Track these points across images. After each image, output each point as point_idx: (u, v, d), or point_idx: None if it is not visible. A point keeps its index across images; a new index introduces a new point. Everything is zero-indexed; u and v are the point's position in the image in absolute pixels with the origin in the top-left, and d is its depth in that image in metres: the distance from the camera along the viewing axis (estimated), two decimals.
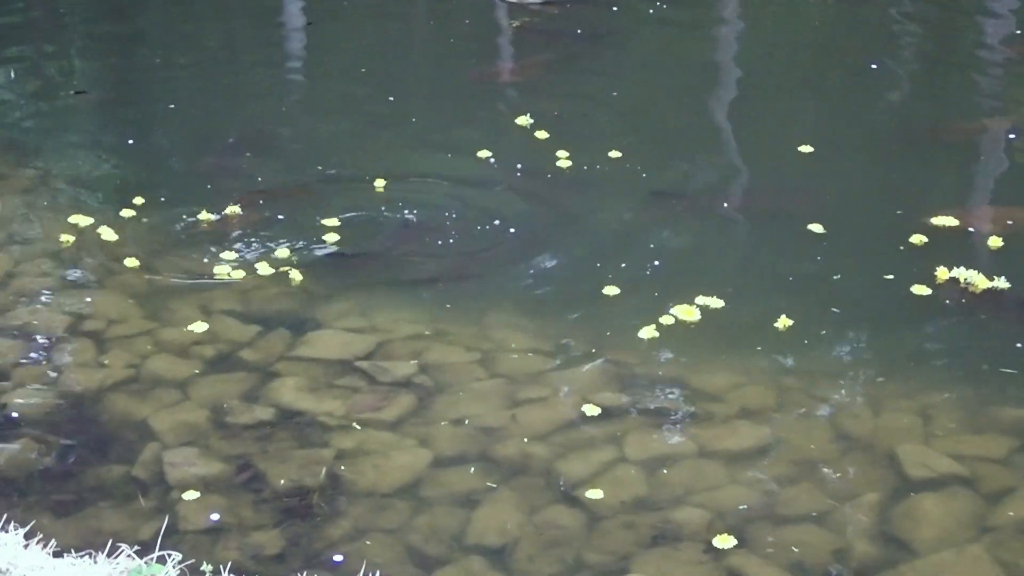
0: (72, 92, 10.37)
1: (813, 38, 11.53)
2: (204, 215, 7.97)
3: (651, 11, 11.71)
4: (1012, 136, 9.10)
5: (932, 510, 5.63)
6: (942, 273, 7.17)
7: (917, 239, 7.57)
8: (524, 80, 10.47)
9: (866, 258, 7.56)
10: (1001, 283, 7.11)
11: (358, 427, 6.21)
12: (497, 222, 8.00)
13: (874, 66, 10.35)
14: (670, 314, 6.89)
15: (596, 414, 6.22)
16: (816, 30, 11.77)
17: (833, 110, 9.74)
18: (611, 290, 7.19)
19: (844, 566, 5.40)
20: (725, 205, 8.21)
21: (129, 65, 11.19)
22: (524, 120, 9.10)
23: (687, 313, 6.87)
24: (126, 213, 8.07)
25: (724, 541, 5.45)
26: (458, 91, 10.17)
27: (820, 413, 6.28)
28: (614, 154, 8.70)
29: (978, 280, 7.12)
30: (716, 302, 6.99)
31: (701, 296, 7.02)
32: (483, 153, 8.76)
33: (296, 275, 7.36)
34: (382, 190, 8.32)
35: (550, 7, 11.64)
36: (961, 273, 7.16)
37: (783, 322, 6.83)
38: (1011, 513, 5.59)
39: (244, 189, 8.37)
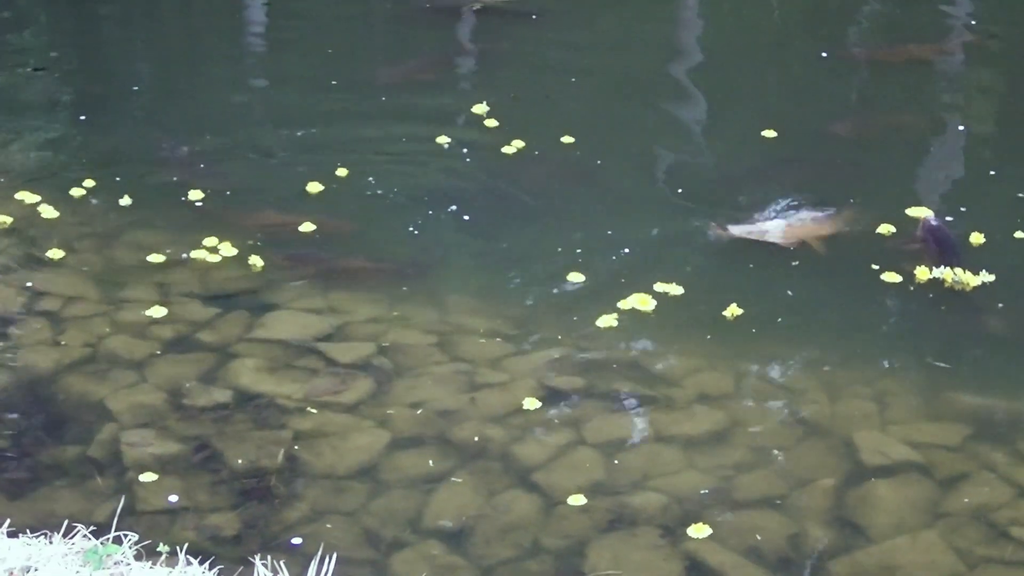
0: (31, 69, 10.30)
1: (773, 23, 11.56)
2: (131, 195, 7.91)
3: None
4: (962, 128, 9.15)
5: (887, 496, 5.67)
6: (922, 273, 7.02)
7: (884, 228, 7.58)
8: (465, 71, 10.42)
9: (830, 246, 7.60)
10: (987, 277, 7.00)
11: (313, 411, 6.20)
12: (454, 207, 7.99)
13: (824, 55, 10.37)
14: (628, 301, 6.89)
15: (537, 407, 6.17)
16: (776, 16, 11.81)
17: (789, 97, 9.76)
18: (571, 276, 7.20)
19: (799, 551, 5.43)
20: (680, 191, 8.20)
21: (88, 42, 11.12)
22: (480, 108, 9.10)
23: (642, 302, 6.87)
24: (77, 192, 8.02)
25: (699, 531, 5.46)
26: (415, 77, 10.10)
27: (777, 399, 6.31)
28: (567, 139, 8.70)
29: (967, 278, 6.95)
30: (675, 289, 7.01)
31: (660, 283, 7.04)
32: (442, 139, 8.74)
33: (257, 261, 7.31)
34: (345, 176, 8.27)
35: None
36: (946, 273, 6.98)
37: (731, 311, 6.84)
38: (966, 500, 5.64)
39: (203, 174, 8.33)
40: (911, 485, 5.75)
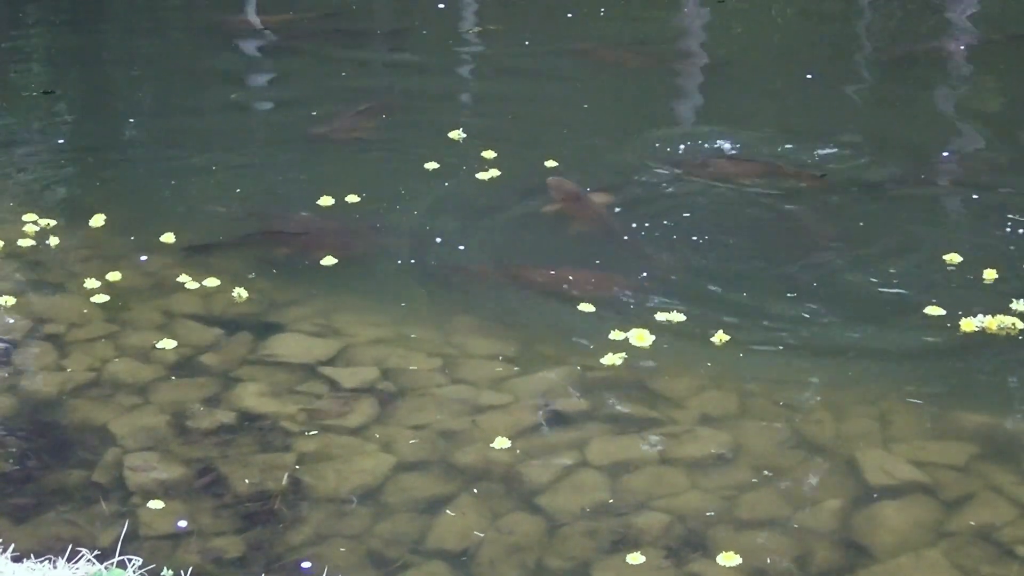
0: (41, 92, 10.35)
1: (769, 44, 11.64)
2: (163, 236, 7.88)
3: (603, 13, 11.84)
4: (946, 153, 9.12)
5: (892, 516, 5.66)
6: (967, 325, 6.83)
7: (951, 257, 7.51)
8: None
9: (835, 265, 7.61)
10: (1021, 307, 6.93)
11: (314, 432, 6.19)
12: (439, 239, 7.95)
13: (809, 76, 10.40)
14: (628, 334, 6.82)
15: (507, 445, 6.06)
16: (776, 36, 11.88)
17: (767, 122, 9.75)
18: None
19: (805, 572, 5.42)
20: (687, 215, 8.20)
21: (90, 68, 11.17)
22: (456, 134, 9.13)
23: (639, 338, 6.79)
24: (88, 218, 8.04)
25: (728, 559, 5.43)
26: (402, 104, 10.10)
27: (781, 419, 6.29)
28: (551, 163, 8.71)
29: (1009, 321, 6.82)
30: (678, 316, 6.98)
31: (661, 312, 7.01)
32: (430, 165, 8.75)
33: (242, 292, 7.29)
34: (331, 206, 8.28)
35: None
36: (988, 321, 6.81)
37: (719, 337, 6.82)
38: (972, 523, 5.62)
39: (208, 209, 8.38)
40: (916, 505, 5.74)
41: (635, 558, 5.44)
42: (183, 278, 7.42)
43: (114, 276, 7.46)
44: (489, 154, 8.82)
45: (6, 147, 9.35)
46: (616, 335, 6.80)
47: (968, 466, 5.98)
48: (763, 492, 5.85)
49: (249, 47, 11.58)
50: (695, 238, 7.91)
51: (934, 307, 7.01)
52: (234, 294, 7.26)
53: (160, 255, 7.72)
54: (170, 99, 10.46)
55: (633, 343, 6.77)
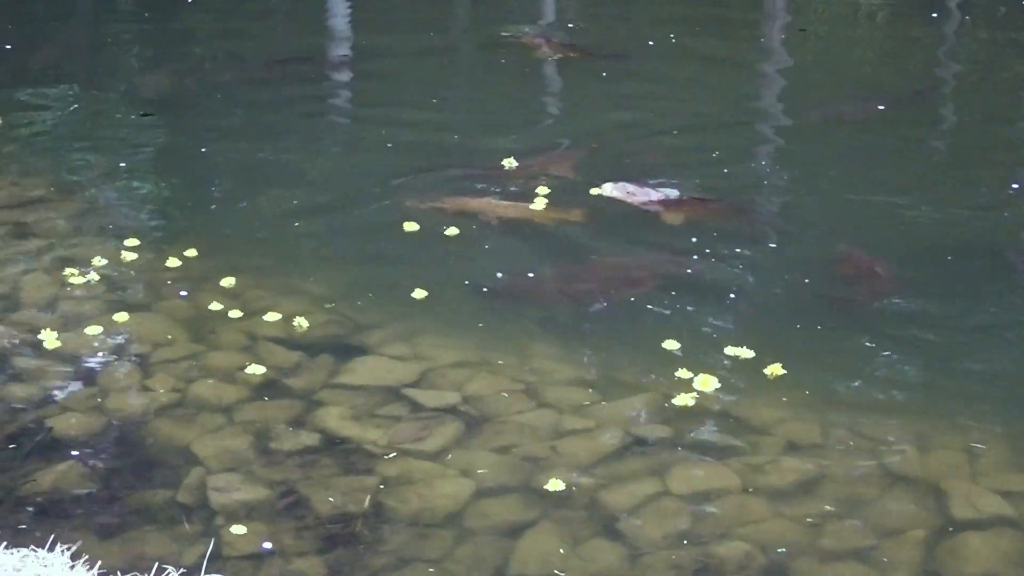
0: (140, 114, 10.48)
1: (846, 74, 11.58)
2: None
3: (676, 41, 11.85)
4: (1015, 186, 9.01)
5: (979, 549, 5.59)
6: None
7: None
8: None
9: (924, 300, 7.56)
10: None
11: (393, 454, 6.20)
12: (508, 265, 7.94)
13: (881, 107, 10.31)
14: (691, 370, 6.75)
15: (560, 488, 5.94)
16: (855, 65, 11.83)
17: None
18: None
19: None
20: (772, 245, 8.15)
21: (184, 87, 11.29)
22: (508, 162, 9.14)
23: (704, 384, 6.65)
24: (177, 242, 8.11)
25: None
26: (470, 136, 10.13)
27: (865, 448, 6.24)
28: (594, 191, 8.69)
29: None
30: (747, 352, 6.90)
31: (731, 346, 6.96)
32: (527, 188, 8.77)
33: (302, 322, 7.29)
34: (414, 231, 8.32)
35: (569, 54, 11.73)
36: None
37: (772, 370, 6.76)
38: None
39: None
40: (1003, 538, 5.66)
41: None
42: (264, 302, 7.47)
43: (199, 297, 7.54)
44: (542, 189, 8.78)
45: (100, 169, 9.44)
46: (684, 373, 6.73)
47: None
48: (846, 522, 5.79)
49: (335, 63, 11.71)
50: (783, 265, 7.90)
51: None
52: (295, 323, 7.28)
53: (245, 279, 7.76)
54: (264, 117, 10.51)
55: (698, 387, 6.66)
